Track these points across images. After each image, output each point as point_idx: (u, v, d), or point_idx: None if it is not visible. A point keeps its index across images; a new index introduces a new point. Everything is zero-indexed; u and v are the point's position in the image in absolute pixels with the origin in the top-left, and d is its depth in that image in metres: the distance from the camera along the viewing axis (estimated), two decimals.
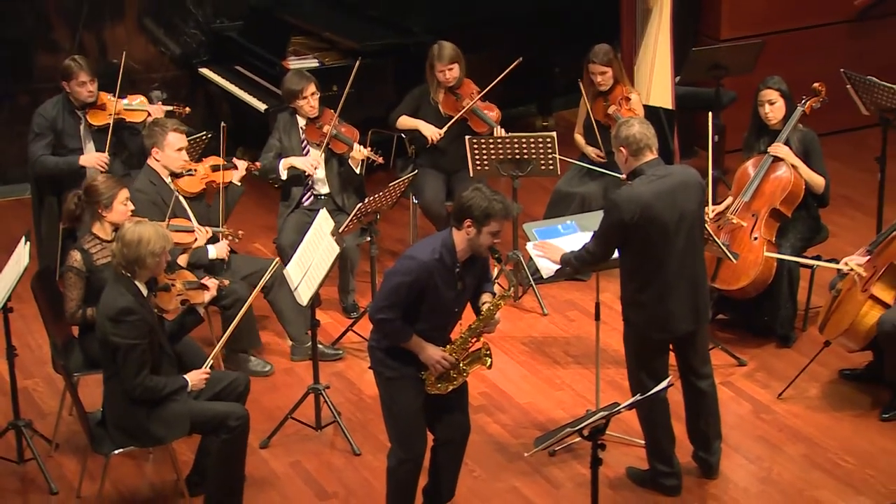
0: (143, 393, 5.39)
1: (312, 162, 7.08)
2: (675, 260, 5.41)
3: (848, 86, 7.32)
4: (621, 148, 5.42)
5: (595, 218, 6.00)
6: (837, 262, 6.37)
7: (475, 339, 5.27)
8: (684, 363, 5.68)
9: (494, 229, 5.06)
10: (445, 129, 7.43)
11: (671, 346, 5.63)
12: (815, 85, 6.84)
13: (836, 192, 7.06)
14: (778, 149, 6.69)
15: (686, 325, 5.52)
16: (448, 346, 5.23)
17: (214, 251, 6.58)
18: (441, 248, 5.09)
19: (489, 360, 5.25)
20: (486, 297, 5.29)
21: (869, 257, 6.21)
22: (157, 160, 6.55)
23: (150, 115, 7.10)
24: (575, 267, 5.64)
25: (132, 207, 6.05)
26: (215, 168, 6.74)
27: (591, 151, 7.53)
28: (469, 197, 5.06)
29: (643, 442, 5.77)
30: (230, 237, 6.62)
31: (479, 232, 5.05)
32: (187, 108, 7.13)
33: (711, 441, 5.77)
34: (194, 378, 5.55)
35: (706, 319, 5.71)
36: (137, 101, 7.24)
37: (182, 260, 6.32)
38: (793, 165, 6.66)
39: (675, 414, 5.72)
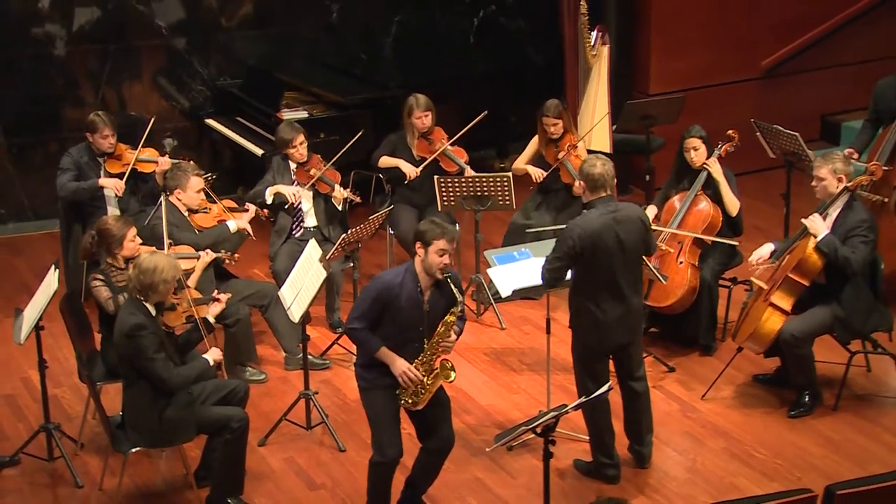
0: (181, 384, 5.36)
1: (294, 192, 7.05)
2: (616, 282, 5.43)
3: (757, 133, 7.37)
4: (581, 182, 5.50)
5: (546, 246, 6.03)
6: (750, 284, 6.41)
7: (436, 358, 5.23)
8: (622, 369, 5.69)
9: (439, 248, 5.08)
10: (422, 167, 7.44)
11: (611, 355, 5.64)
12: (730, 132, 6.89)
13: (748, 223, 7.11)
14: (712, 164, 6.70)
15: (623, 338, 5.54)
16: (414, 363, 5.19)
17: (234, 224, 6.57)
18: (405, 274, 5.15)
19: (452, 374, 5.20)
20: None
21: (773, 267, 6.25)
22: (178, 199, 6.55)
23: (158, 165, 7.10)
24: (546, 279, 5.55)
25: (140, 241, 6.03)
26: (228, 209, 6.76)
27: (533, 171, 7.52)
28: (420, 225, 5.19)
29: (588, 438, 5.76)
30: (227, 260, 6.58)
31: (427, 252, 5.09)
32: (192, 161, 7.14)
33: (644, 435, 5.78)
34: (215, 354, 5.52)
35: (640, 333, 5.72)
36: (148, 154, 7.25)
37: (192, 279, 6.28)
38: (711, 201, 6.69)
39: (615, 413, 5.73)
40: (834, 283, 6.04)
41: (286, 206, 7.10)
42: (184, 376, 5.38)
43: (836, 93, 9.31)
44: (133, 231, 6.00)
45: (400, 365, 5.16)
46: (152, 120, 7.45)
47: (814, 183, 6.14)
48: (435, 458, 5.40)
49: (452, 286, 5.16)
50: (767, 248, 6.28)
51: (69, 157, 7.16)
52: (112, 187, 7.04)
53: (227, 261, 6.57)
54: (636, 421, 5.75)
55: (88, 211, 7.11)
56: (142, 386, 5.38)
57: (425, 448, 5.39)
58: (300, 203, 7.09)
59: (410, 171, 7.46)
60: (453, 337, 5.23)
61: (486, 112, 7.50)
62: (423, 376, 5.19)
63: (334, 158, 7.13)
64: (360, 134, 7.29)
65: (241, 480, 5.61)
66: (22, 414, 6.45)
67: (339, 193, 7.10)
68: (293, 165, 7.15)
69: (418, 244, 5.13)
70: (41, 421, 6.00)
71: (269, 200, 7.07)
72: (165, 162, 7.07)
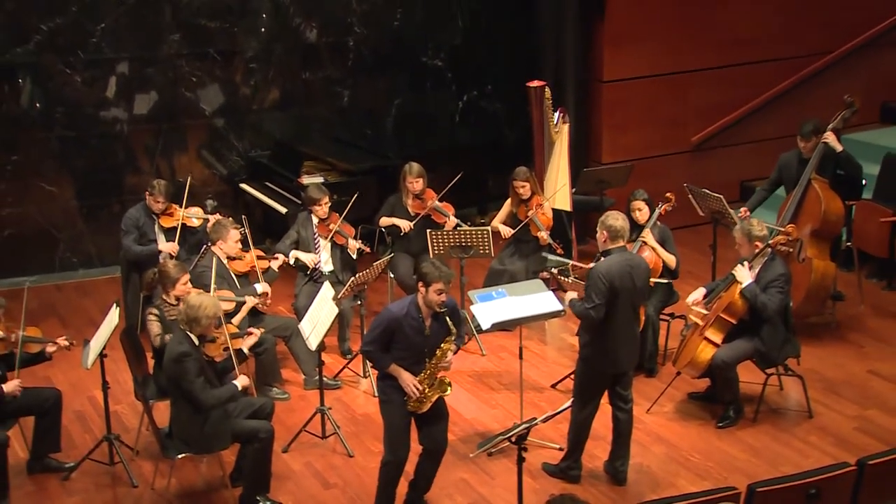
0: (214, 405, 5.33)
1: (314, 258, 7.09)
2: (628, 316, 5.39)
3: (689, 195, 7.43)
4: (604, 231, 5.38)
5: (519, 287, 6.05)
6: (686, 319, 6.42)
7: (437, 374, 5.22)
8: (616, 394, 5.54)
9: (437, 288, 5.05)
10: (415, 222, 7.48)
11: (613, 381, 5.51)
12: (668, 194, 6.95)
13: (683, 269, 7.11)
14: (647, 235, 6.75)
15: (626, 365, 5.48)
16: (419, 377, 5.19)
17: (260, 287, 6.57)
18: (409, 305, 5.13)
19: (448, 389, 5.21)
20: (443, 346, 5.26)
21: (707, 308, 6.28)
22: (220, 248, 6.57)
23: (209, 221, 7.13)
24: (594, 318, 5.29)
25: (190, 286, 6.04)
26: (259, 257, 6.80)
27: (503, 230, 7.53)
28: (422, 266, 5.12)
29: (554, 445, 5.74)
30: (262, 304, 6.60)
31: (427, 291, 5.06)
32: (230, 218, 7.17)
33: (627, 454, 5.64)
34: (244, 381, 5.48)
35: (636, 362, 5.66)
36: (195, 212, 7.29)
37: (236, 319, 6.30)
38: (654, 248, 6.74)
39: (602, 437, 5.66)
40: (756, 321, 6.08)
41: (309, 271, 7.11)
42: (216, 397, 5.36)
43: (752, 163, 9.42)
44: (186, 277, 6.03)
45: (406, 378, 5.15)
46: (189, 180, 7.47)
47: (736, 247, 6.21)
48: (432, 458, 5.35)
49: (448, 319, 5.14)
50: (700, 292, 6.30)
51: (128, 220, 7.19)
52: (169, 250, 7.06)
53: (262, 304, 6.59)
54: (623, 442, 5.60)
55: (148, 261, 7.09)
56: (186, 403, 5.36)
57: (423, 449, 5.34)
58: (319, 262, 7.12)
59: (405, 225, 7.50)
60: (450, 356, 5.21)
61: (462, 173, 7.58)
62: (426, 388, 5.17)
63: (344, 213, 7.15)
64: (355, 196, 7.25)
65: (268, 481, 5.58)
66: (88, 426, 6.42)
67: (354, 245, 7.15)
68: (315, 220, 7.19)
69: (420, 283, 5.08)
70: (104, 432, 5.98)
71: (291, 261, 7.09)
72: (211, 219, 7.13)
